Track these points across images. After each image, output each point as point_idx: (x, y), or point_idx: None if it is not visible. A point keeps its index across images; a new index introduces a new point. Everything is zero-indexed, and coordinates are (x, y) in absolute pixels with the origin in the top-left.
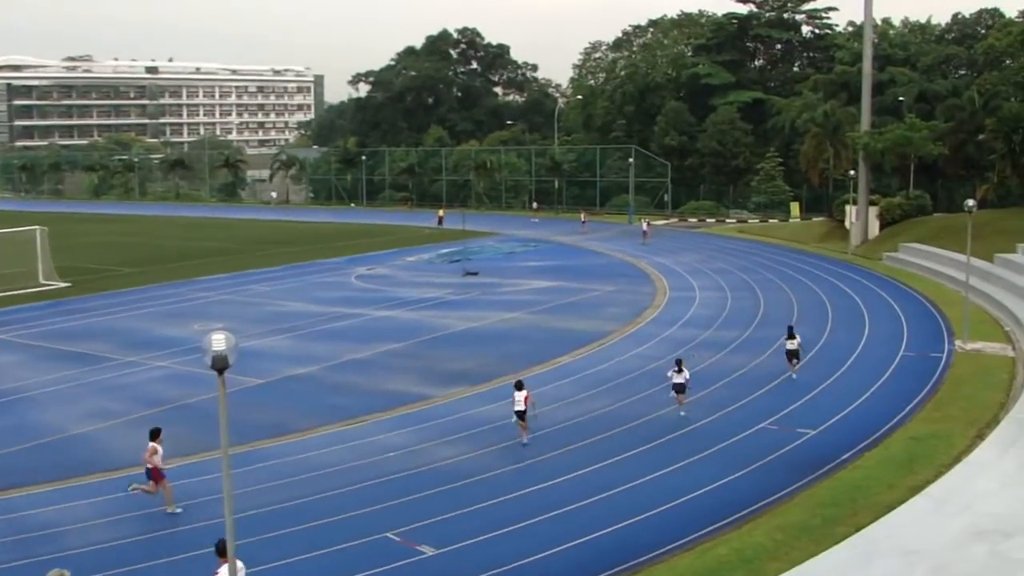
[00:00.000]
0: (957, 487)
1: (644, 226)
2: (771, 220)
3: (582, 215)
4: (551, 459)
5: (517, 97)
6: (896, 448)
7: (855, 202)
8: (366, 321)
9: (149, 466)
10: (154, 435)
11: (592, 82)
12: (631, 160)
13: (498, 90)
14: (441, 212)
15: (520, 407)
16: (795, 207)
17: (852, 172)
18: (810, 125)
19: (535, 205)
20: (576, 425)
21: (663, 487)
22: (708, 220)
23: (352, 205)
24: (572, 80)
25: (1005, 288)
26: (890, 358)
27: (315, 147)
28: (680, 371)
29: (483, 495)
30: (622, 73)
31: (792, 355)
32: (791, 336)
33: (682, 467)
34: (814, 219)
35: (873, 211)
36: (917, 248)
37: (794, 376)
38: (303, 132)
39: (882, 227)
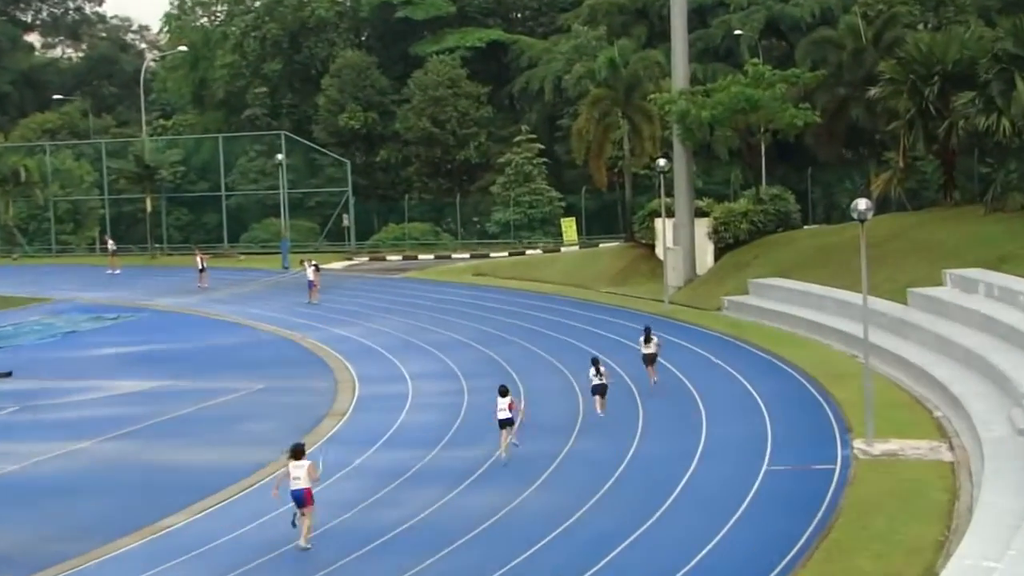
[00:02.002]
0: None
1: (309, 273)
2: (531, 251)
3: (199, 258)
4: None
5: (71, 52)
6: None
7: (671, 213)
8: None
9: (306, 486)
10: (302, 452)
11: (205, 21)
12: (280, 158)
13: (34, 39)
14: None
15: (505, 415)
16: (569, 226)
17: (663, 162)
18: (586, 83)
19: (112, 245)
20: None
21: None
22: (422, 257)
23: None
24: (169, 19)
25: (929, 346)
26: (747, 479)
27: None
28: (599, 372)
29: None
30: (257, 4)
31: (650, 359)
32: (648, 339)
33: None
34: (603, 245)
35: (702, 226)
36: (778, 286)
37: (655, 380)
38: None
39: (719, 253)
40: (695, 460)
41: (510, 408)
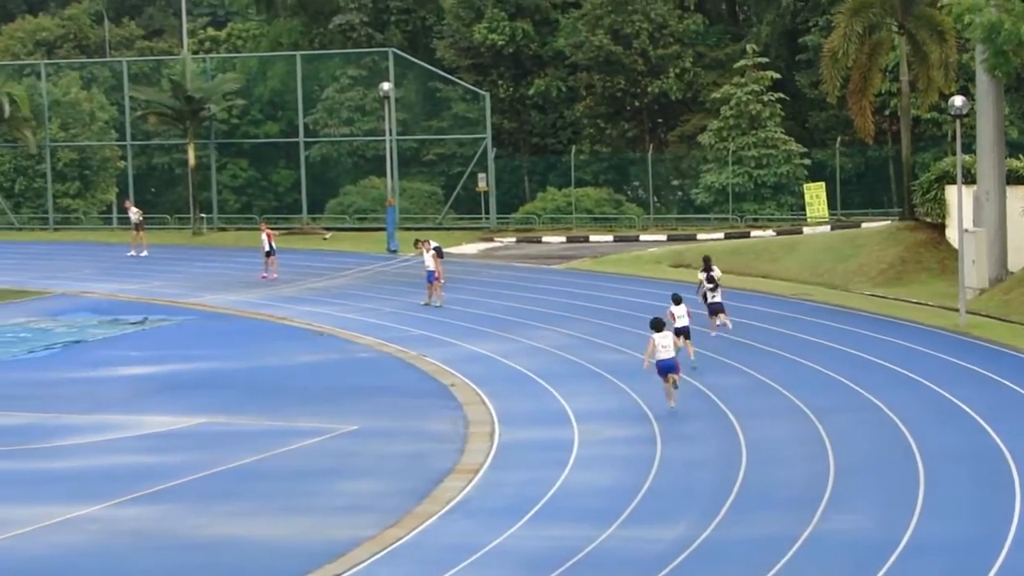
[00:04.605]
0: None
1: (428, 260)
2: (758, 232)
3: (264, 236)
4: None
5: None
6: None
7: (971, 178)
8: None
9: (673, 355)
10: (662, 324)
11: None
12: (387, 88)
13: None
14: None
15: (684, 322)
16: (817, 196)
17: (960, 101)
18: None
19: (136, 214)
20: None
21: None
22: (595, 239)
23: None
24: None
25: None
26: None
27: None
28: (716, 287)
29: None
30: None
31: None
32: (709, 267)
33: None
34: (867, 225)
35: (1019, 198)
36: None
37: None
38: None
39: None
40: (1005, 546)
41: (688, 316)
